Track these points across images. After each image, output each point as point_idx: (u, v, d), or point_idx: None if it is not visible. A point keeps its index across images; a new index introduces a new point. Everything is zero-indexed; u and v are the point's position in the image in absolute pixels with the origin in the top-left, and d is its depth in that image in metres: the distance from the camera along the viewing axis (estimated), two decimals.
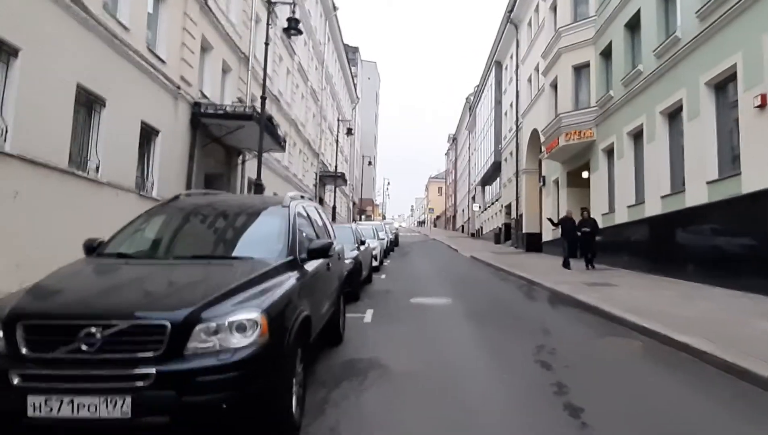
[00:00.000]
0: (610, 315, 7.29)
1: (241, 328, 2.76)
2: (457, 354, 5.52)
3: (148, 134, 11.01)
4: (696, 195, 10.71)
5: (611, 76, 15.88)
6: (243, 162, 16.12)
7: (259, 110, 12.47)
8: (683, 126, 11.48)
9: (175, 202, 4.59)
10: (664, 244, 12.12)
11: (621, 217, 14.67)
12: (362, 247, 10.18)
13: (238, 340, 2.73)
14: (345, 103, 45.85)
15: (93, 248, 3.93)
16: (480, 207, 44.60)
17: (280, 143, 15.38)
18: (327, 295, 4.86)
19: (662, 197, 12.27)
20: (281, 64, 21.70)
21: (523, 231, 26.83)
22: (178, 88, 11.90)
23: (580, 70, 17.81)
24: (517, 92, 28.82)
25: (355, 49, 55.01)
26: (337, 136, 36.75)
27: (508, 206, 32.11)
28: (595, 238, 13.95)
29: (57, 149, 7.92)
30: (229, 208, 4.48)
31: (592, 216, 14.84)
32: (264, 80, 12.59)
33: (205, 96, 13.52)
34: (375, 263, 14.59)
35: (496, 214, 37.14)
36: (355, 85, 51.19)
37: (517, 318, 7.65)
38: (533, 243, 24.80)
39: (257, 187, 11.97)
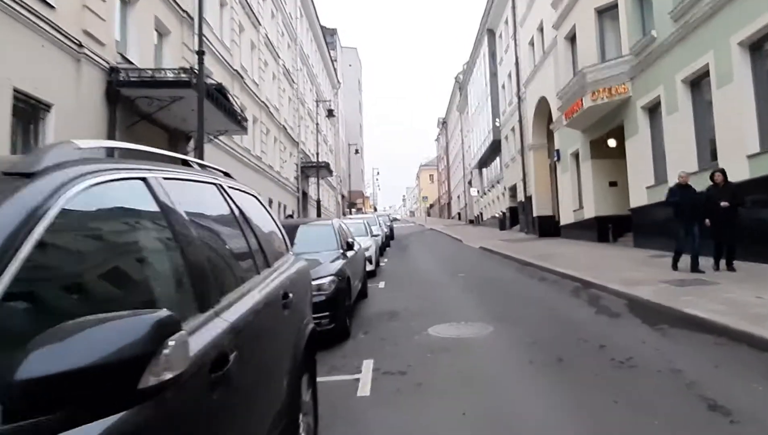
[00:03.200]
0: None
1: None
2: None
3: (31, 109, 7.64)
4: None
5: (650, 12, 12.65)
6: (195, 148, 12.72)
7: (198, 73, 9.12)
8: None
9: None
10: (758, 222, 8.99)
11: None
12: (350, 254, 6.92)
13: None
14: (325, 88, 42.37)
15: None
16: (478, 191, 41.41)
17: (238, 121, 12.03)
18: None
19: (749, 157, 9.14)
20: (243, 34, 18.24)
21: (534, 214, 23.76)
22: (80, 45, 8.52)
23: (605, 13, 14.61)
24: (517, 59, 25.66)
25: (333, 32, 51.30)
26: (318, 120, 33.33)
27: (513, 188, 29.00)
28: (737, 217, 8.25)
29: None
30: None
31: (729, 180, 8.48)
32: (200, 26, 9.19)
33: (129, 61, 10.13)
34: (370, 267, 11.44)
35: (498, 197, 34.01)
36: (335, 69, 47.68)
37: (622, 366, 4.44)
38: (547, 227, 21.81)
39: None
